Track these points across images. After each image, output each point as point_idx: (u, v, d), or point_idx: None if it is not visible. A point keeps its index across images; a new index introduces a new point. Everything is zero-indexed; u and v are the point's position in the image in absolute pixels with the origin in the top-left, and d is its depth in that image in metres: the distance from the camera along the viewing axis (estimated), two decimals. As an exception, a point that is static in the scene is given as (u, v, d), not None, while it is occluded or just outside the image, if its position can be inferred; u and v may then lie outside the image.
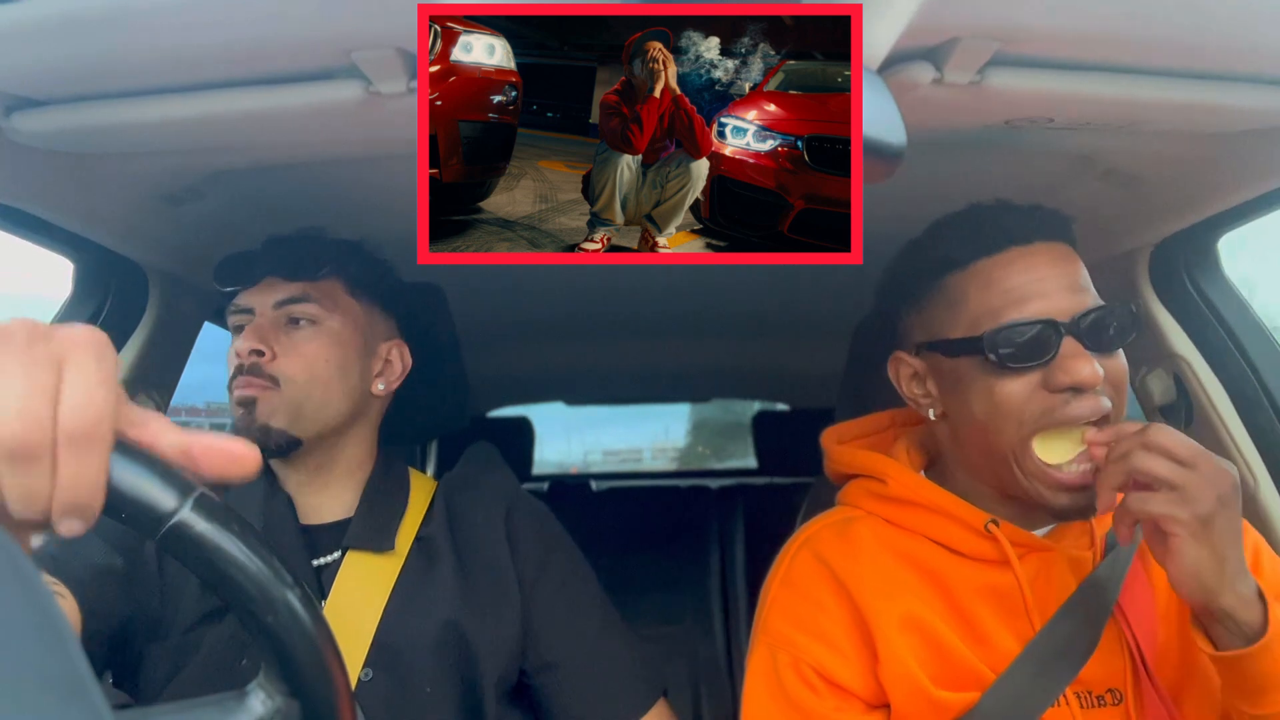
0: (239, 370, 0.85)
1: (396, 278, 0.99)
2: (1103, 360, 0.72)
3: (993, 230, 0.76)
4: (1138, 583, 0.77)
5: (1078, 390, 0.71)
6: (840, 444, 0.92)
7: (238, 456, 0.38)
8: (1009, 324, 0.72)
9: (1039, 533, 0.79)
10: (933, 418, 0.81)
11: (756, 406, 2.77)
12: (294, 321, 0.88)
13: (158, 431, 0.37)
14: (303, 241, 0.92)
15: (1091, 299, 0.74)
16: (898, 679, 0.74)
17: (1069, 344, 0.71)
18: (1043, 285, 0.73)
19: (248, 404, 0.84)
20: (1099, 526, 0.79)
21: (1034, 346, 0.72)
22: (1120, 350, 0.74)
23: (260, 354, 0.85)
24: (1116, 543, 0.77)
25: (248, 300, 0.89)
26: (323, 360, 0.87)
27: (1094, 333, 0.72)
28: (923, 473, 0.87)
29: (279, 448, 0.86)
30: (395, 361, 0.95)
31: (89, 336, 0.35)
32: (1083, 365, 0.70)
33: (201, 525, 0.37)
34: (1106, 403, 0.72)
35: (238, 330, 0.89)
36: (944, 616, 0.76)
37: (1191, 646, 0.74)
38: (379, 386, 0.93)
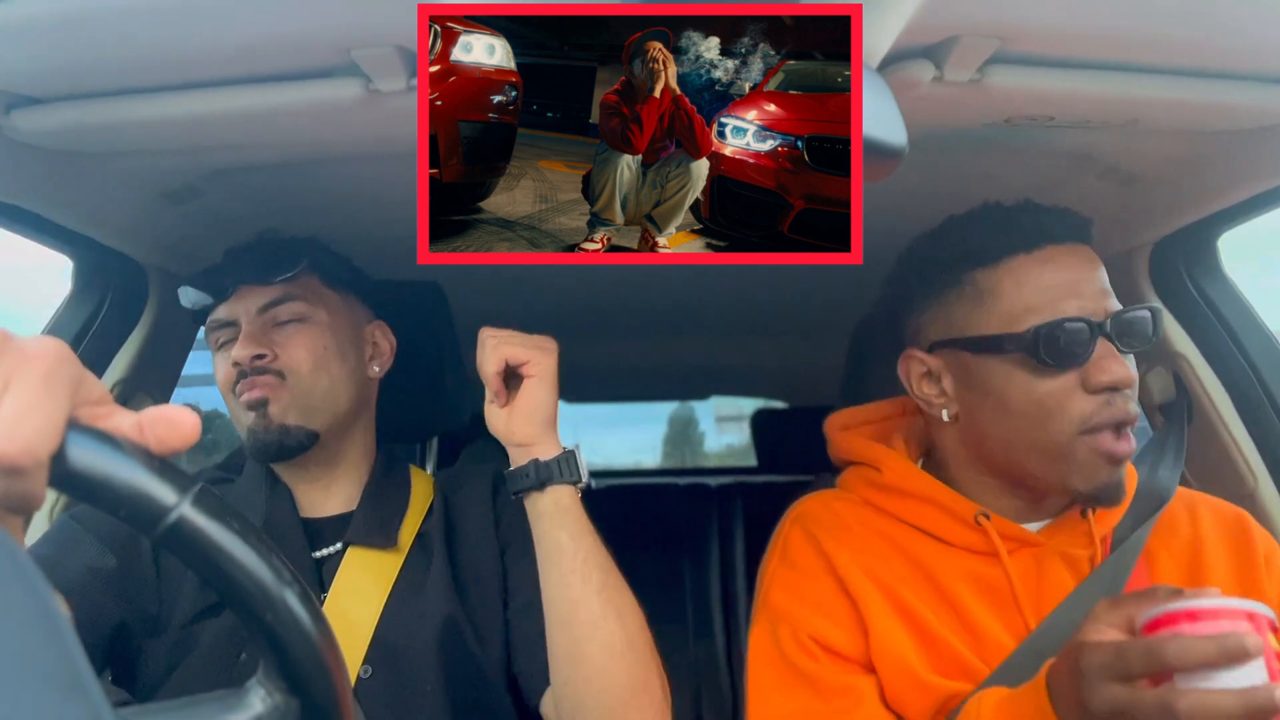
0: (241, 375, 0.85)
1: (357, 268, 0.99)
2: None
3: (1029, 227, 0.75)
4: (1140, 579, 0.77)
5: (1115, 391, 0.71)
6: (842, 430, 0.92)
7: (176, 421, 0.37)
8: (1054, 321, 0.71)
9: (1032, 528, 0.79)
10: (945, 419, 0.79)
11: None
12: (283, 322, 0.88)
13: (118, 418, 0.37)
14: (268, 244, 0.92)
15: (1115, 301, 0.74)
16: (886, 658, 0.75)
17: (1103, 345, 0.71)
18: (1079, 285, 0.73)
19: (259, 406, 0.85)
20: (1098, 526, 0.78)
21: (1074, 346, 0.71)
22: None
23: (262, 357, 0.85)
24: (1122, 540, 0.77)
25: (227, 313, 0.89)
26: (322, 348, 0.88)
27: (1124, 334, 0.72)
28: (920, 461, 0.87)
29: (299, 444, 0.86)
30: (382, 341, 0.97)
31: (40, 352, 0.34)
32: (1119, 367, 0.71)
33: (200, 521, 0.37)
34: (1136, 407, 0.72)
35: (223, 345, 0.89)
36: (930, 604, 0.77)
37: None
38: (374, 369, 0.95)
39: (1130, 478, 0.82)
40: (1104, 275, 0.75)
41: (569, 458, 0.79)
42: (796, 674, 0.77)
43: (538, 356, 0.77)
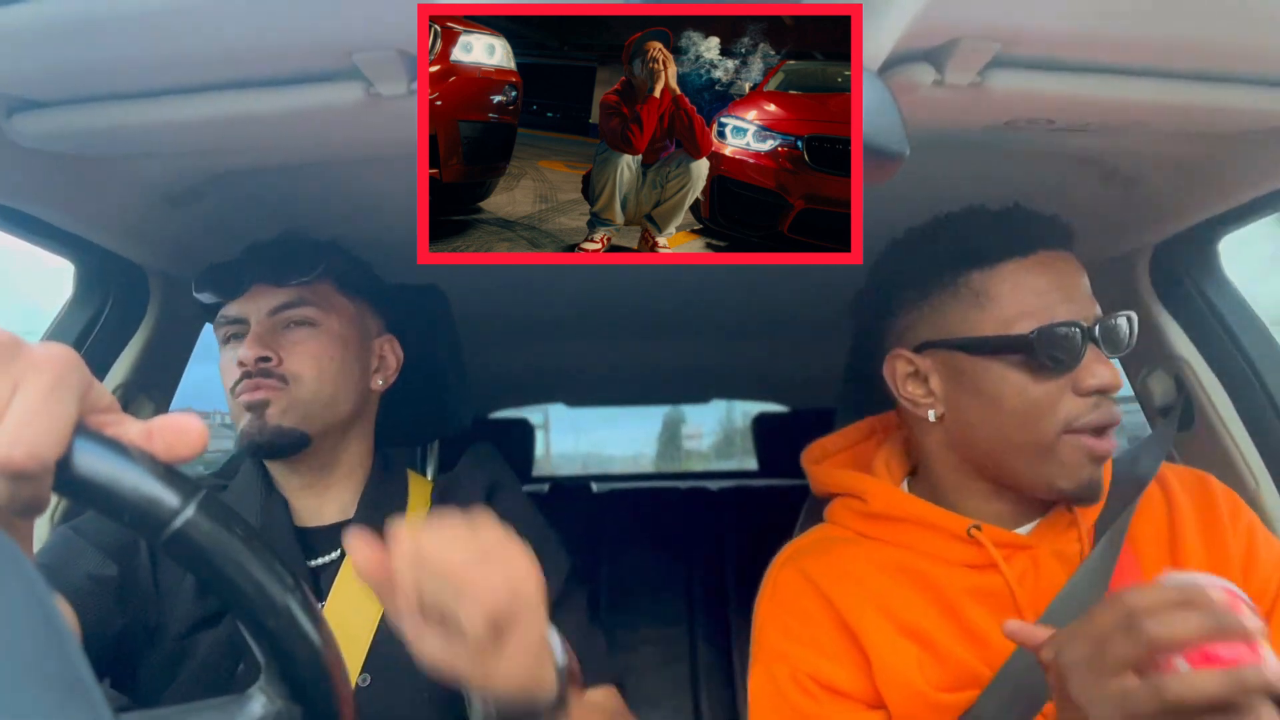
0: (245, 376, 0.85)
1: (376, 275, 0.99)
2: None
3: (1022, 231, 0.76)
4: (1128, 566, 0.78)
5: (1104, 394, 0.73)
6: (818, 463, 0.93)
7: (184, 430, 0.37)
8: (1051, 325, 0.72)
9: (1023, 530, 0.80)
10: (932, 419, 0.79)
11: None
12: (293, 325, 0.88)
13: (126, 425, 0.37)
14: (288, 245, 0.92)
15: (1099, 308, 0.76)
16: (893, 684, 0.75)
17: (1093, 350, 0.73)
18: (1069, 290, 0.75)
19: (258, 407, 0.85)
20: (1084, 519, 0.79)
21: (1069, 350, 0.73)
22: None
23: (267, 359, 0.85)
24: (1105, 529, 0.78)
25: (239, 310, 0.89)
26: (328, 358, 0.88)
27: (1111, 339, 0.74)
28: (905, 481, 0.88)
29: (291, 445, 0.86)
30: (389, 356, 0.97)
31: (50, 359, 0.34)
32: (1107, 371, 0.73)
33: (205, 528, 0.37)
34: (1120, 410, 0.74)
35: (230, 340, 0.89)
36: (936, 621, 0.77)
37: None
38: (378, 382, 0.95)
39: (1105, 470, 0.82)
40: (1087, 282, 0.77)
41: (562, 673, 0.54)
42: (797, 714, 0.77)
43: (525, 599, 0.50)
